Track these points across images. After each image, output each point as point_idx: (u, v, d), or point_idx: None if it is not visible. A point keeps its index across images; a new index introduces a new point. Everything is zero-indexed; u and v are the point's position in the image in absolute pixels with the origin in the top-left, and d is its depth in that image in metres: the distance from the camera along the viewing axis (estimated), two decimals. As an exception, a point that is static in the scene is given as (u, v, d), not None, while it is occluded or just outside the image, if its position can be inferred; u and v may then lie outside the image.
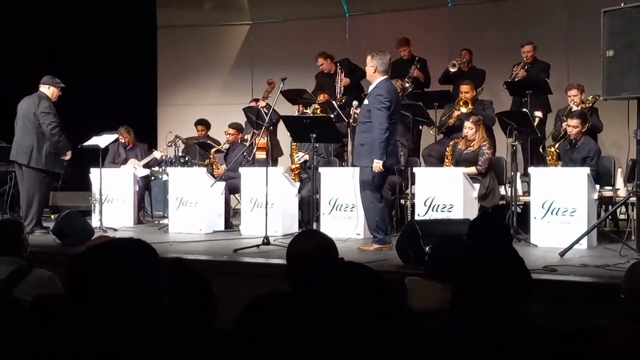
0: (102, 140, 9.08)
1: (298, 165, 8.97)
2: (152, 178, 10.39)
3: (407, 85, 9.51)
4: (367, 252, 6.64)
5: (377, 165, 6.73)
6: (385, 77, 6.91)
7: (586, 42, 9.33)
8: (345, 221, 7.79)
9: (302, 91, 9.88)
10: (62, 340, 1.81)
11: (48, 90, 8.57)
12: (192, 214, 8.63)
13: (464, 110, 8.67)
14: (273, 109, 8.42)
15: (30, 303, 3.09)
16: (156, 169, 10.26)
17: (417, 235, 5.82)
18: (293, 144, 9.08)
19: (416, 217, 7.51)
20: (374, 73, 6.85)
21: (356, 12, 12.19)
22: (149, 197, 10.54)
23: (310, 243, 2.85)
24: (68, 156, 8.62)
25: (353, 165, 8.66)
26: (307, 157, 8.69)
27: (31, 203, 8.43)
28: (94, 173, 9.19)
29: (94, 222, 8.60)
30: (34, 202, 8.43)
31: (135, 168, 9.94)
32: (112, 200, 9.48)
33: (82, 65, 11.85)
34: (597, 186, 7.37)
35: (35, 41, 12.13)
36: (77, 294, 1.63)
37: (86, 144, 9.05)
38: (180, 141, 10.33)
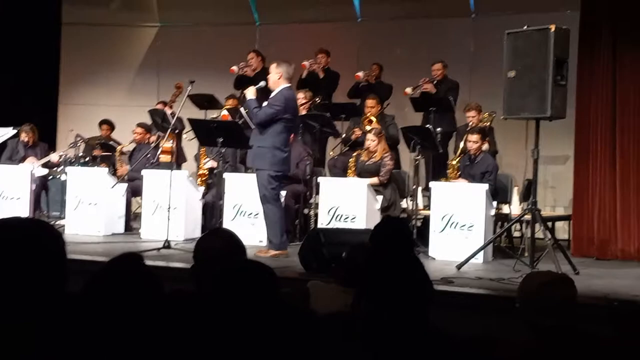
0: (-2, 136, 8.78)
1: (205, 171, 8.88)
2: (50, 177, 10.09)
3: (317, 100, 9.55)
4: (265, 259, 6.62)
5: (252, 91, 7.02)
6: (288, 85, 7.09)
7: (489, 63, 9.62)
8: (249, 228, 7.74)
9: (209, 96, 9.80)
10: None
11: None
12: (91, 214, 8.42)
13: (368, 128, 8.78)
14: (177, 117, 8.31)
15: None
16: (55, 169, 9.97)
17: (320, 244, 5.86)
18: (201, 149, 8.99)
19: (319, 226, 7.55)
20: (279, 80, 6.95)
21: (267, 21, 12.20)
22: (46, 197, 10.22)
23: (218, 241, 2.86)
24: None
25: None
26: (214, 163, 8.63)
27: None
28: (-11, 169, 8.86)
29: (-14, 219, 8.27)
30: None
31: (33, 167, 9.63)
32: (7, 197, 9.14)
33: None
34: (495, 202, 7.60)
35: None
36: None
37: (-19, 139, 8.72)
38: (81, 141, 10.07)
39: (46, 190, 10.13)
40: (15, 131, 9.38)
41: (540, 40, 6.35)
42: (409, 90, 9.53)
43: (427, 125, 8.70)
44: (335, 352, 2.60)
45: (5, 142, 9.06)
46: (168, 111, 9.48)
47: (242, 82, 9.87)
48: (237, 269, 2.63)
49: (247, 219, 7.88)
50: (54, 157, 9.90)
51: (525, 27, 6.50)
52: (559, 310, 2.89)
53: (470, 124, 8.78)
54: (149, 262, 6.63)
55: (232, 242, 2.91)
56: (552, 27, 6.31)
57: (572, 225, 8.24)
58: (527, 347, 2.95)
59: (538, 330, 2.94)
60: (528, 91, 6.41)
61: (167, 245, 7.03)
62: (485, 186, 7.30)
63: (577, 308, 2.99)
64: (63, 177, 9.46)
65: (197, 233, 8.14)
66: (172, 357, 2.40)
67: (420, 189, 8.27)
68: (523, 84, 6.45)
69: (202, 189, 8.57)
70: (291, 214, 8.13)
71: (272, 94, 7.05)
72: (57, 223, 9.34)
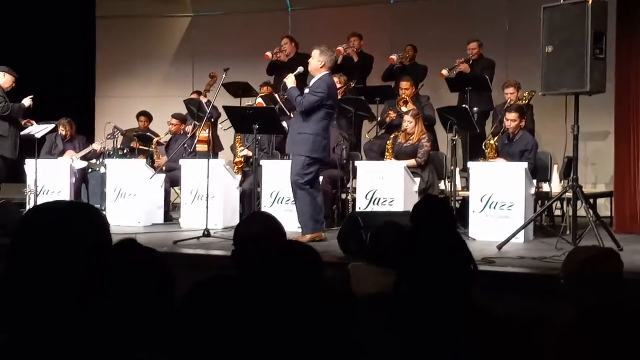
0: (38, 131, 8.89)
1: (241, 159, 8.90)
2: (89, 170, 10.20)
3: (352, 84, 9.50)
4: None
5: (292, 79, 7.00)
6: (329, 72, 7.01)
7: (525, 41, 9.49)
8: (287, 214, 7.72)
9: (244, 84, 9.81)
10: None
11: (3, 77, 8.64)
12: (131, 206, 8.49)
13: (404, 109, 8.73)
14: (213, 105, 8.35)
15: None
16: (94, 161, 10.07)
17: (359, 227, 5.84)
18: (237, 137, 9.01)
19: (358, 211, 7.52)
20: (321, 68, 6.90)
21: (299, 6, 12.18)
22: (86, 190, 10.32)
23: (258, 225, 2.86)
24: (28, 103, 8.66)
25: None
26: (249, 152, 8.63)
27: None
28: (29, 164, 8.98)
29: (29, 214, 8.38)
30: None
31: (72, 160, 9.73)
32: (48, 192, 9.25)
33: (17, 54, 11.55)
34: (535, 181, 7.50)
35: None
36: (18, 264, 1.56)
37: (22, 133, 8.83)
38: (119, 133, 10.16)
39: (86, 184, 10.24)
40: (53, 125, 9.49)
41: (577, 13, 6.21)
42: (445, 72, 9.45)
43: (464, 105, 8.61)
44: (376, 333, 2.59)
45: (44, 137, 9.17)
46: (203, 100, 9.53)
47: (275, 68, 9.89)
48: (284, 251, 2.62)
49: (285, 205, 7.87)
50: (95, 146, 10.01)
51: (562, 1, 6.38)
52: (605, 284, 2.84)
53: (509, 101, 8.66)
54: (189, 251, 6.72)
55: (272, 225, 2.90)
56: (590, 0, 6.18)
57: (614, 202, 8.11)
58: (573, 325, 2.91)
59: (583, 308, 2.89)
60: (566, 66, 6.29)
61: (206, 233, 7.06)
62: (524, 165, 7.20)
63: (622, 283, 2.94)
64: (102, 170, 9.55)
65: (236, 221, 8.16)
66: (215, 342, 2.40)
67: (458, 169, 8.20)
68: (561, 59, 6.32)
69: (239, 177, 8.59)
70: (329, 199, 8.11)
71: (313, 81, 6.98)
72: (98, 215, 9.44)
